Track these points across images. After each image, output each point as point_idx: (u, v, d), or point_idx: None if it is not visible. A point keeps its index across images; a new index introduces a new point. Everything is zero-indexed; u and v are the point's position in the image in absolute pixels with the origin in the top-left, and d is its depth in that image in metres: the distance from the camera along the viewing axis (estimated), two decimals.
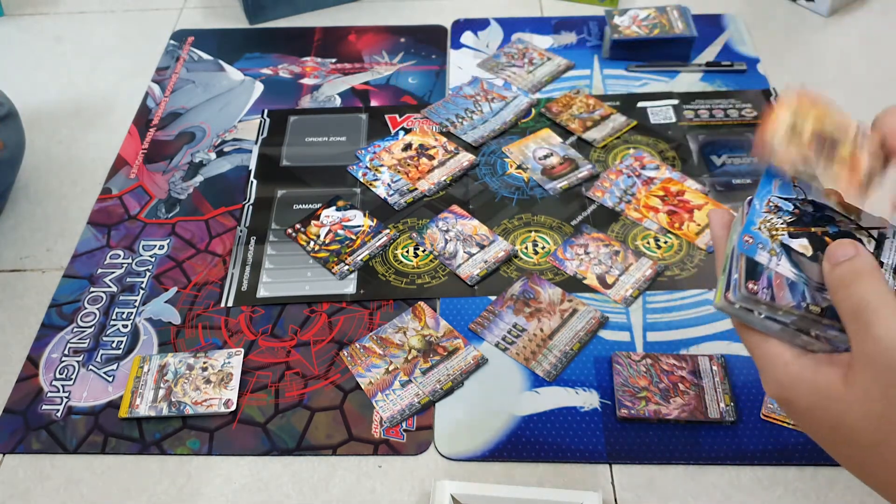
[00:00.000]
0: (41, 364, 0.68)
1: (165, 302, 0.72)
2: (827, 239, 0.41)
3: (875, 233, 0.41)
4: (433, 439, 0.62)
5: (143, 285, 0.73)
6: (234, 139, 0.88)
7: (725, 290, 0.40)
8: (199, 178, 0.84)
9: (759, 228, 0.41)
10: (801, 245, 0.40)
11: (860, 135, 0.42)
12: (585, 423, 0.62)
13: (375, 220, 0.78)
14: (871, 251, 0.40)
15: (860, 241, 0.40)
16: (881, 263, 0.40)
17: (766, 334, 0.39)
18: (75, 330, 0.70)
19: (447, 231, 0.76)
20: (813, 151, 0.42)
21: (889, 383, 0.33)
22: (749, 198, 0.42)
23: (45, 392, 0.66)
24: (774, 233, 0.41)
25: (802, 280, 0.39)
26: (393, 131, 0.88)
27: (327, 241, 0.76)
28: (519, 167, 0.83)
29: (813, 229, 0.41)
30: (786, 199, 0.42)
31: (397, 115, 0.90)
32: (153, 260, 0.76)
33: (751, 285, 0.39)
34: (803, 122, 0.42)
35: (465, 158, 0.83)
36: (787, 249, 0.40)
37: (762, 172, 0.44)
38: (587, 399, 0.63)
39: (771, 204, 0.42)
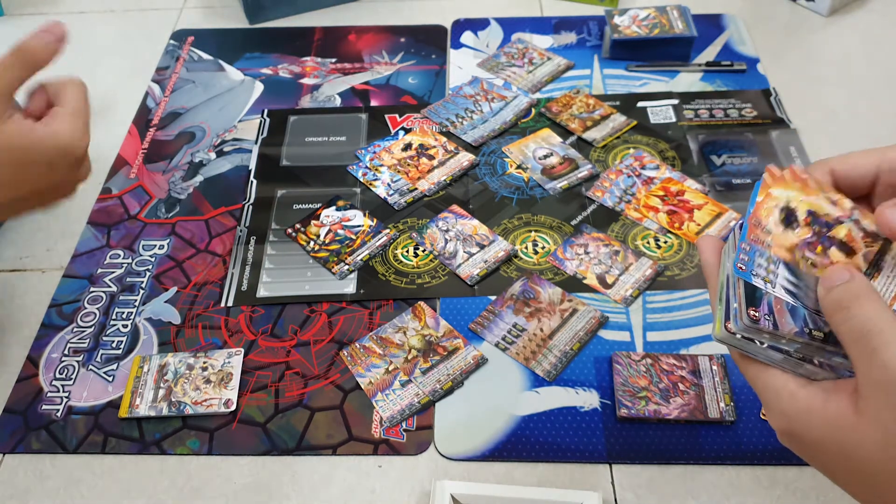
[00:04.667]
0: (41, 364, 0.68)
1: (165, 302, 0.72)
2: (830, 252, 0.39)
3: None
4: (433, 439, 0.62)
5: (143, 285, 0.73)
6: (234, 139, 0.88)
7: (725, 320, 0.38)
8: (199, 178, 0.84)
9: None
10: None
11: (855, 218, 0.40)
12: (585, 423, 0.62)
13: (375, 220, 0.78)
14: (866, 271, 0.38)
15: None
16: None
17: (767, 364, 0.38)
18: (75, 330, 0.70)
19: (447, 231, 0.76)
20: (810, 233, 0.40)
21: None
22: (740, 221, 0.41)
23: (45, 392, 0.66)
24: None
25: (800, 303, 0.38)
26: (393, 131, 0.88)
27: (327, 241, 0.76)
28: (519, 167, 0.83)
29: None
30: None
31: (397, 115, 0.90)
32: (153, 260, 0.76)
33: (752, 312, 0.37)
34: (798, 204, 0.41)
35: (465, 158, 0.83)
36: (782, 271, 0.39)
37: (757, 174, 0.42)
38: (587, 399, 0.63)
39: None
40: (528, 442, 0.61)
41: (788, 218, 0.40)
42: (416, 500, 0.58)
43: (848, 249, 0.39)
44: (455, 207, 0.78)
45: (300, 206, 0.80)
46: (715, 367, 0.64)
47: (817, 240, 0.40)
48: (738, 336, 0.38)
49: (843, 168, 0.41)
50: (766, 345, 0.37)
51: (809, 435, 0.36)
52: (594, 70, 0.95)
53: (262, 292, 0.72)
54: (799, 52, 0.97)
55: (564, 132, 0.86)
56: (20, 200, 0.53)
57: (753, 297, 0.38)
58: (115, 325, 0.70)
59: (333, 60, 0.99)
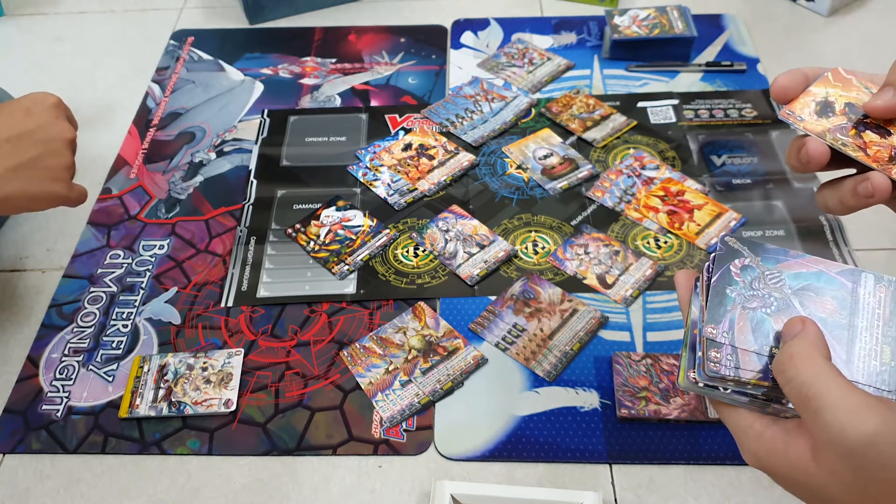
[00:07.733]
0: (41, 364, 0.68)
1: (165, 302, 0.72)
2: None
3: None
4: (433, 439, 0.62)
5: (143, 285, 0.73)
6: (234, 139, 0.88)
7: (689, 369, 0.39)
8: (199, 178, 0.84)
9: None
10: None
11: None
12: (585, 423, 0.62)
13: (375, 220, 0.78)
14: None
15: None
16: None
17: (735, 406, 0.39)
18: (75, 330, 0.70)
19: (447, 231, 0.76)
20: (844, 120, 0.40)
21: (856, 465, 0.33)
22: (712, 255, 0.41)
23: (45, 392, 0.66)
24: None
25: (767, 345, 0.38)
26: (393, 131, 0.88)
27: (327, 241, 0.76)
28: (519, 167, 0.83)
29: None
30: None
31: (397, 115, 0.90)
32: (153, 260, 0.76)
33: (713, 353, 0.38)
34: (837, 98, 0.41)
35: (465, 158, 0.83)
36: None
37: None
38: (587, 399, 0.63)
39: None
40: (528, 442, 0.61)
41: (824, 109, 0.41)
42: (416, 500, 0.58)
43: (884, 131, 0.39)
44: (455, 207, 0.78)
45: (300, 206, 0.80)
46: None
47: (852, 125, 0.40)
48: (702, 385, 0.38)
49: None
50: (729, 390, 0.38)
51: (778, 472, 0.37)
52: (594, 70, 0.95)
53: (262, 292, 0.72)
54: (799, 52, 0.97)
55: (564, 132, 0.86)
56: (15, 166, 0.59)
57: (716, 314, 0.38)
58: (115, 325, 0.70)
59: (333, 60, 0.99)
